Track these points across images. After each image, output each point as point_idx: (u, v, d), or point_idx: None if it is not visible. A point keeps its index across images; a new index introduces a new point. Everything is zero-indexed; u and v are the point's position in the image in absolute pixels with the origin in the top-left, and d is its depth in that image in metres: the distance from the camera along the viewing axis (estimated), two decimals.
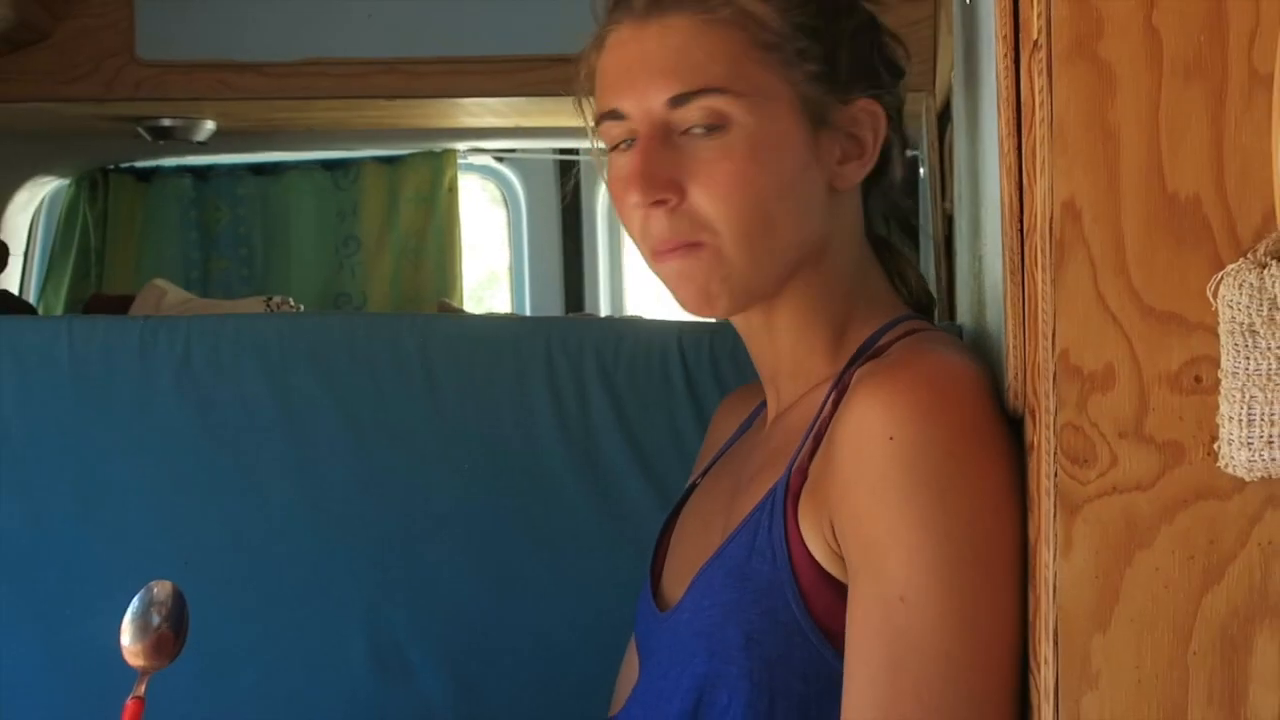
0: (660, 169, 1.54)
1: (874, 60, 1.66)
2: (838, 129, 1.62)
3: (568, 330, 2.23)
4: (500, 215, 4.65)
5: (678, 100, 1.55)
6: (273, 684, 2.10)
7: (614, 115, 1.59)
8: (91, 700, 1.88)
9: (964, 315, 1.94)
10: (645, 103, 1.56)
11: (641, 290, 4.64)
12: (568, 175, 4.49)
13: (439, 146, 4.28)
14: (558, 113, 3.51)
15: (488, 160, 4.48)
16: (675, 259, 1.57)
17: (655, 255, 1.59)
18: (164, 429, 2.18)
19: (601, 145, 1.67)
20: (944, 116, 2.44)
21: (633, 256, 4.61)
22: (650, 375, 2.16)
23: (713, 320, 3.21)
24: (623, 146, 1.60)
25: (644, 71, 1.56)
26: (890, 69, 1.68)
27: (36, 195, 3.93)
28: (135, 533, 2.14)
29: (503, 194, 4.58)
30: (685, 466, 1.91)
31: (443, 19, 3.02)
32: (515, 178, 4.49)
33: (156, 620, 1.71)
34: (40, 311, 3.86)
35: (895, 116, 1.67)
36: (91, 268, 4.10)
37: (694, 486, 1.82)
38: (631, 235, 1.62)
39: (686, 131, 1.55)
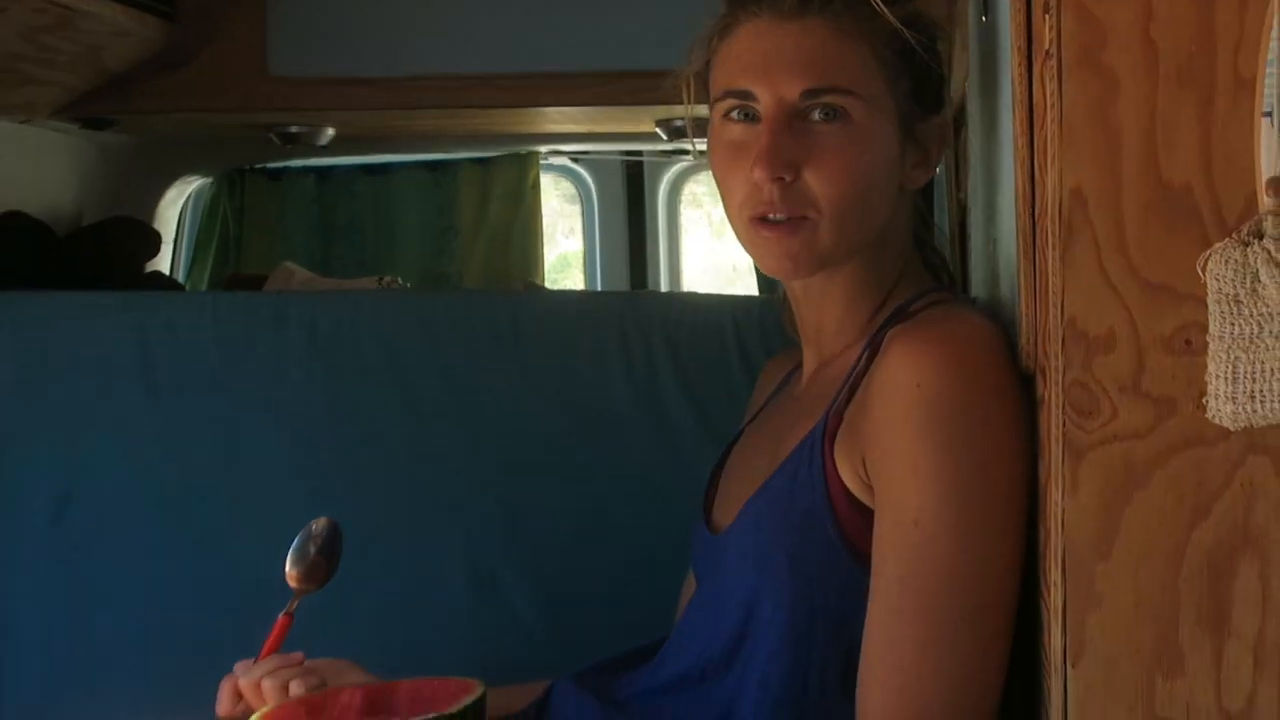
0: (785, 151, 1.52)
1: (941, 84, 1.65)
2: (917, 140, 1.62)
3: (638, 304, 2.24)
4: (575, 208, 4.65)
5: (811, 93, 1.53)
6: (385, 605, 2.09)
7: (744, 95, 1.55)
8: (234, 619, 1.88)
9: (977, 289, 1.93)
10: (779, 90, 1.53)
11: (694, 271, 4.65)
12: (633, 174, 4.47)
13: (524, 149, 4.27)
14: (625, 120, 3.57)
15: (565, 161, 4.47)
16: (781, 232, 1.54)
17: (756, 221, 1.56)
18: (294, 387, 2.19)
19: (698, 115, 1.65)
20: (957, 121, 2.41)
21: (690, 241, 4.62)
22: (708, 342, 2.15)
23: (758, 295, 3.25)
24: (735, 116, 1.57)
25: (781, 63, 1.53)
26: (944, 92, 1.66)
27: (184, 192, 3.96)
28: (269, 477, 2.14)
29: (577, 190, 4.57)
30: (737, 417, 1.90)
31: (528, 40, 3.01)
32: (588, 176, 4.48)
33: (312, 551, 1.74)
34: (187, 289, 3.87)
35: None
36: (230, 253, 4.12)
37: (741, 433, 1.81)
38: (730, 197, 1.58)
39: (806, 121, 1.53)
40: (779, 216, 1.54)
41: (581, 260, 4.67)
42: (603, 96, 3.09)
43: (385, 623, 2.07)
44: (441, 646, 1.84)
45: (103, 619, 2.11)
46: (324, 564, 1.75)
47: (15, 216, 3.24)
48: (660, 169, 4.46)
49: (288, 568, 1.74)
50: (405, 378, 2.17)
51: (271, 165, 4.11)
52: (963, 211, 2.32)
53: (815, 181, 1.53)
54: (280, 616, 1.69)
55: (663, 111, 3.28)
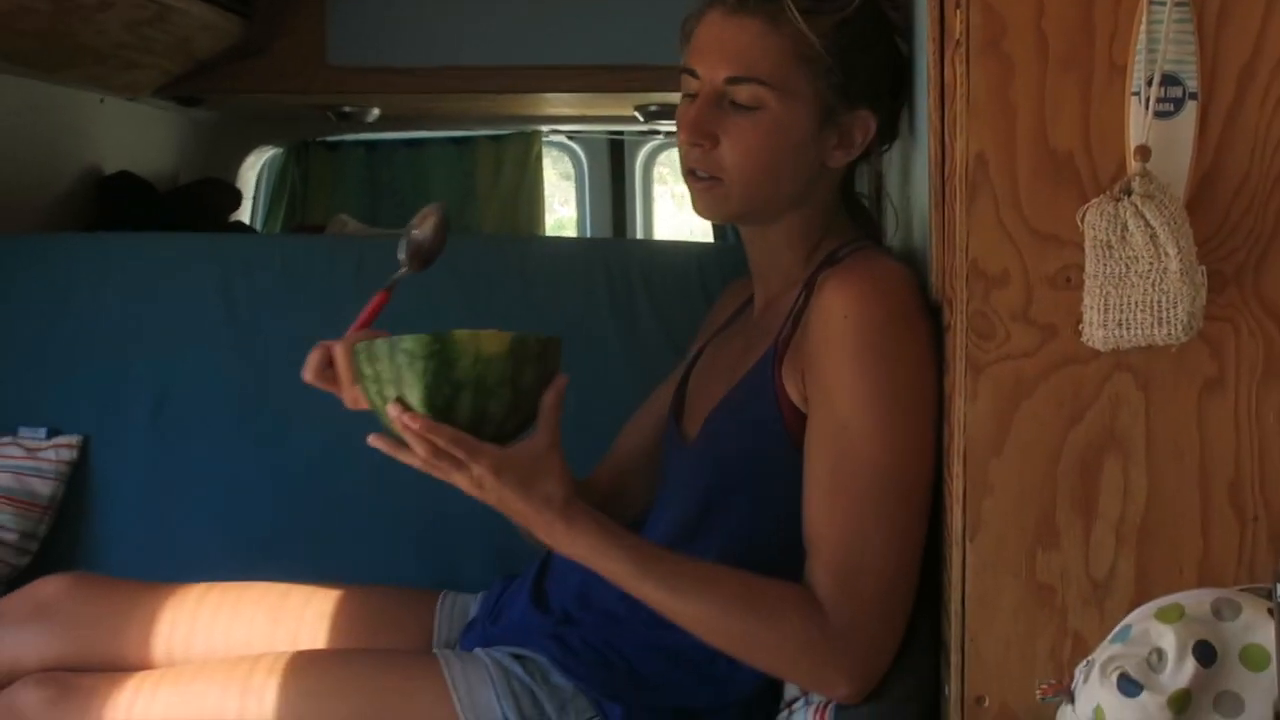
0: (705, 123, 1.47)
1: (883, 86, 1.56)
2: (838, 126, 1.52)
3: (621, 248, 2.20)
4: (568, 183, 4.62)
5: (732, 80, 1.47)
6: (418, 486, 2.01)
7: (690, 72, 1.50)
8: (295, 499, 1.84)
9: (892, 239, 1.86)
10: (712, 73, 1.47)
11: (663, 231, 4.61)
12: (616, 149, 4.43)
13: (529, 128, 4.23)
14: (610, 104, 3.52)
15: (562, 138, 4.42)
16: (700, 186, 1.50)
17: (687, 175, 1.52)
18: (343, 310, 2.10)
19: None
20: None
21: (660, 205, 4.58)
22: (676, 279, 2.10)
23: (719, 243, 3.21)
24: (686, 96, 1.51)
25: (718, 50, 1.48)
26: (895, 95, 1.58)
27: (260, 159, 3.92)
28: None
29: (570, 161, 4.52)
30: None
31: (533, 38, 2.94)
32: (580, 150, 4.44)
33: (416, 234, 1.59)
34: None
35: (886, 125, 1.57)
36: (296, 208, 4.09)
37: (701, 352, 1.74)
38: (680, 152, 1.53)
39: (732, 102, 1.47)
40: (701, 173, 1.49)
41: (574, 223, 4.61)
42: (592, 85, 3.03)
43: (416, 502, 2.00)
44: (461, 521, 1.79)
45: (190, 495, 2.06)
46: (431, 246, 1.59)
47: (125, 176, 3.19)
48: (638, 145, 4.43)
49: (399, 254, 1.59)
50: (433, 304, 2.10)
51: (329, 138, 4.07)
52: (879, 179, 2.27)
53: (728, 153, 1.47)
54: (379, 291, 1.56)
55: (640, 98, 3.26)
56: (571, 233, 4.69)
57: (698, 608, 1.35)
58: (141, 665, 1.53)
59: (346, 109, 3.37)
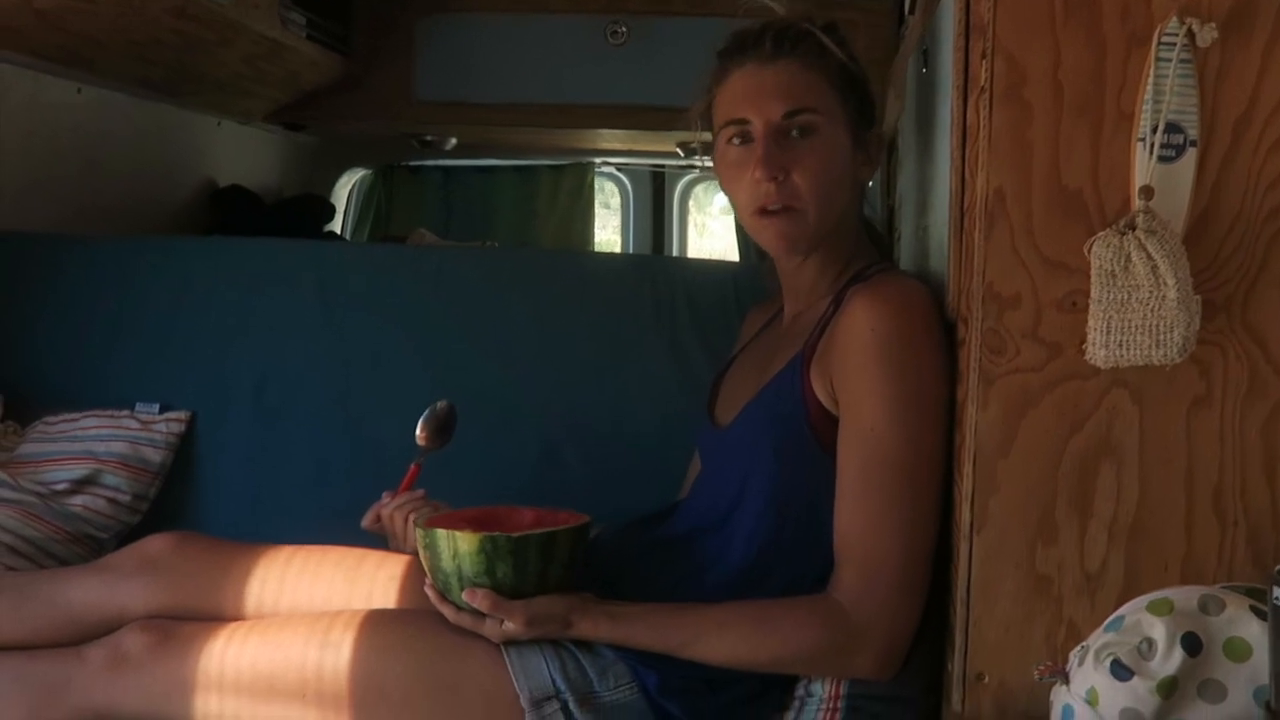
0: (776, 157, 1.41)
1: (874, 105, 1.54)
2: (863, 145, 1.51)
3: (665, 265, 2.15)
4: (608, 212, 4.57)
5: (790, 114, 1.42)
6: (481, 470, 1.98)
7: (741, 121, 1.44)
8: (376, 475, 1.78)
9: (906, 264, 1.81)
10: (766, 114, 1.42)
11: (695, 253, 4.56)
12: (658, 180, 4.38)
13: (584, 160, 4.19)
14: (654, 141, 3.49)
15: (612, 169, 4.37)
16: (778, 218, 1.43)
17: (759, 213, 1.45)
18: (424, 310, 2.09)
19: (705, 140, 1.54)
20: (889, 148, 2.29)
21: (696, 227, 4.54)
22: (713, 293, 2.03)
23: (744, 262, 3.16)
24: (735, 142, 1.46)
25: (767, 93, 1.43)
26: (878, 111, 1.54)
27: (351, 179, 3.91)
28: (403, 375, 2.05)
29: (619, 190, 4.47)
30: (731, 347, 1.78)
31: (588, 81, 2.91)
32: (626, 180, 4.40)
33: (435, 421, 1.70)
34: None
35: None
36: (382, 222, 4.06)
37: (734, 358, 1.69)
38: (737, 198, 1.47)
39: (791, 134, 1.43)
40: (775, 206, 1.43)
41: (613, 246, 4.56)
42: (639, 123, 3.02)
43: (481, 482, 1.95)
44: (521, 502, 1.74)
45: (284, 470, 2.02)
46: (443, 431, 1.70)
47: (237, 189, 3.17)
48: (677, 177, 4.39)
49: (418, 431, 1.68)
50: (501, 308, 2.06)
51: (412, 163, 4.05)
52: (891, 212, 2.21)
53: (800, 179, 1.42)
54: (412, 466, 1.65)
55: (680, 136, 3.22)
56: (616, 249, 4.65)
57: (721, 650, 1.34)
58: (235, 616, 1.49)
59: (428, 138, 3.36)
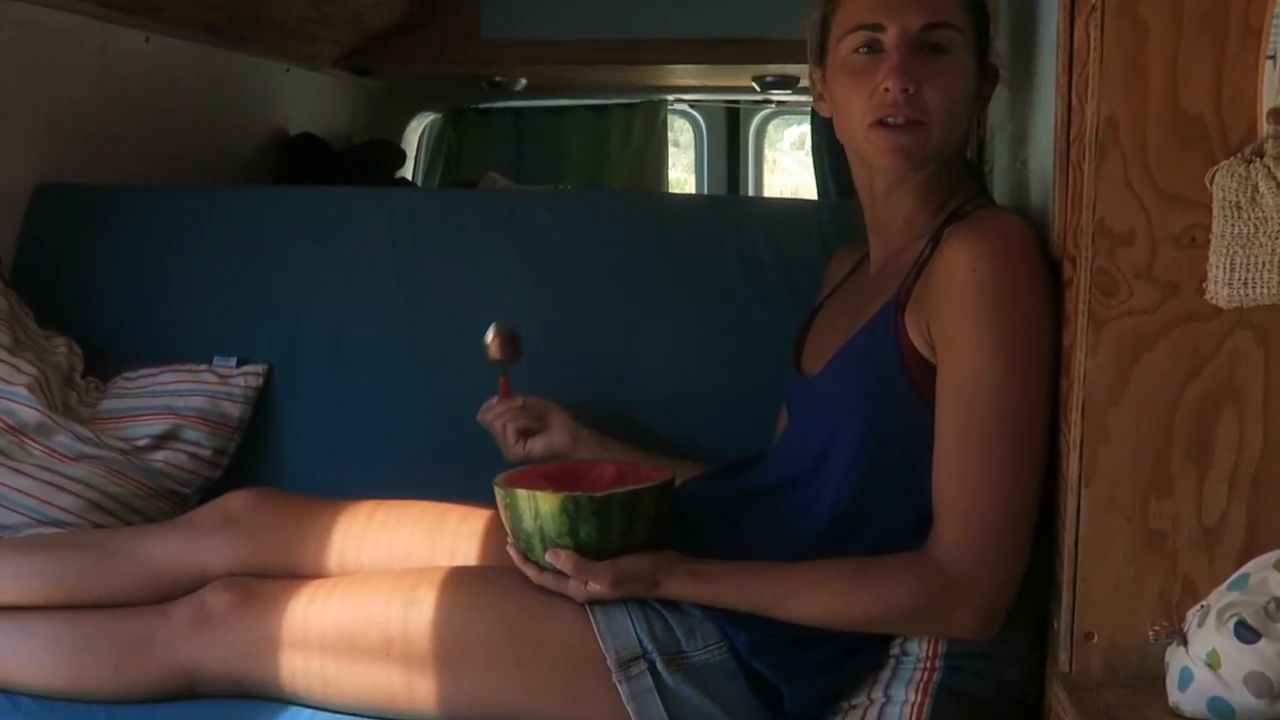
0: (911, 69, 1.33)
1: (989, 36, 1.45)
2: (984, 73, 1.42)
3: (746, 204, 2.06)
4: (680, 150, 4.48)
5: (929, 27, 1.34)
6: None
7: (874, 27, 1.35)
8: (449, 424, 1.77)
9: (1001, 199, 1.71)
10: (904, 23, 1.34)
11: (770, 192, 4.47)
12: (732, 116, 4.28)
13: (656, 97, 4.13)
14: (728, 76, 3.40)
15: (685, 107, 4.29)
16: (902, 132, 1.34)
17: (877, 125, 1.35)
18: (495, 256, 2.04)
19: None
20: None
21: (771, 163, 4.44)
22: (796, 232, 1.95)
23: (827, 200, 3.07)
24: (862, 50, 1.37)
25: (906, 2, 1.34)
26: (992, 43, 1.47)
27: (422, 124, 3.88)
28: (477, 321, 1.98)
29: (692, 127, 4.39)
30: (816, 289, 1.72)
31: (661, 14, 2.85)
32: (700, 117, 4.31)
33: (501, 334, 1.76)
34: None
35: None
36: (453, 166, 4.05)
37: (821, 305, 1.63)
38: (852, 109, 1.37)
39: (928, 48, 1.34)
40: (899, 120, 1.34)
41: (685, 185, 4.49)
42: (713, 57, 2.94)
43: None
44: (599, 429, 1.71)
45: (359, 419, 2.00)
46: (514, 342, 1.76)
47: (307, 137, 3.15)
48: (752, 113, 4.29)
49: (491, 346, 1.76)
50: (576, 250, 2.01)
51: (482, 105, 4.01)
52: (981, 144, 2.11)
53: (931, 94, 1.33)
54: (501, 380, 1.75)
55: (757, 70, 3.13)
56: (690, 187, 4.58)
57: (814, 608, 1.29)
58: (316, 573, 1.47)
59: (497, 79, 3.30)
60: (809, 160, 3.98)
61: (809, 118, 3.97)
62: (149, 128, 2.50)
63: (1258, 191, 1.08)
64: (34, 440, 1.79)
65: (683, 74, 3.40)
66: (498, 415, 1.71)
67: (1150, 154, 1.13)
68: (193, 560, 1.47)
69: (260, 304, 2.06)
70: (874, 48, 1.35)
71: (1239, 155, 1.09)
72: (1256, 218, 1.09)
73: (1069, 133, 1.21)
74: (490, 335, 1.75)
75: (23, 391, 1.81)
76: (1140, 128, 1.13)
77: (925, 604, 1.25)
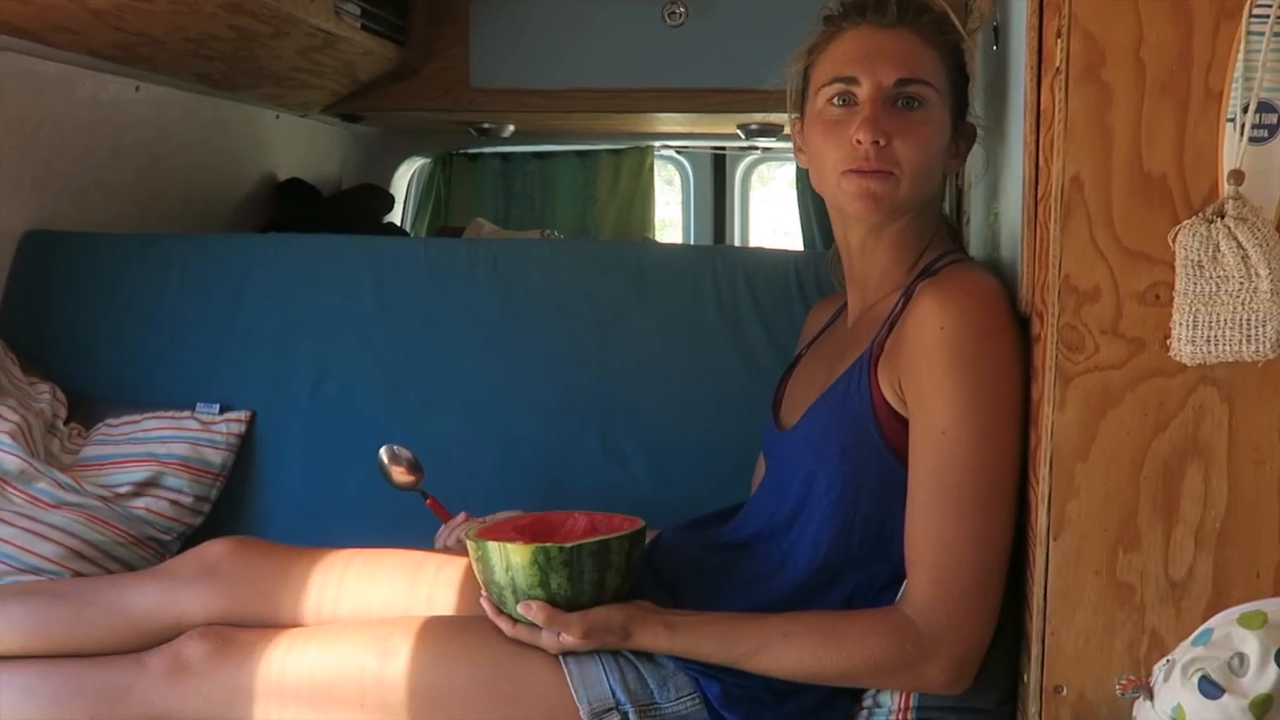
0: (883, 121, 1.35)
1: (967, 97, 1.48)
2: (958, 135, 1.45)
3: (727, 254, 2.07)
4: (670, 189, 4.51)
5: (903, 82, 1.36)
6: (540, 467, 1.96)
7: (849, 80, 1.38)
8: (432, 466, 1.77)
9: (976, 251, 1.74)
10: (879, 77, 1.36)
11: (756, 236, 4.50)
12: (719, 162, 4.31)
13: (643, 143, 4.14)
14: (714, 124, 3.42)
15: (672, 153, 4.32)
16: (872, 179, 1.36)
17: (849, 173, 1.37)
18: (480, 308, 2.06)
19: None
20: None
21: (756, 210, 4.46)
22: (776, 283, 1.98)
23: (809, 251, 3.10)
24: (836, 102, 1.39)
25: (884, 57, 1.37)
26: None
27: (411, 168, 3.88)
28: (460, 369, 2.02)
29: (679, 174, 4.41)
30: (796, 339, 1.74)
31: (648, 64, 2.86)
32: (687, 163, 4.33)
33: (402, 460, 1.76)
34: (410, 234, 3.80)
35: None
36: (441, 211, 4.05)
37: (800, 356, 1.64)
38: (826, 158, 1.39)
39: (899, 102, 1.37)
40: (870, 169, 1.36)
41: (677, 225, 4.53)
42: (699, 106, 2.95)
43: (541, 479, 1.94)
44: (580, 499, 1.70)
45: (342, 464, 2.01)
46: (416, 464, 1.76)
47: (296, 182, 3.18)
48: (738, 159, 4.31)
49: (396, 479, 1.75)
50: (558, 301, 2.03)
51: (470, 150, 4.02)
52: (959, 194, 2.14)
53: (902, 148, 1.35)
54: (428, 502, 1.72)
55: (742, 118, 3.16)
56: (676, 231, 4.60)
57: (786, 661, 1.29)
58: (294, 622, 1.47)
59: (486, 125, 3.32)
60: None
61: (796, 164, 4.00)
62: (139, 175, 2.52)
63: (1219, 250, 1.10)
64: (15, 487, 1.80)
65: (669, 121, 3.42)
66: (452, 536, 1.65)
67: (1115, 213, 1.15)
68: (170, 609, 1.47)
69: (244, 350, 2.08)
70: (849, 101, 1.38)
71: (1201, 215, 1.12)
72: (1218, 276, 1.11)
73: (1036, 190, 1.23)
74: (388, 464, 1.74)
75: (4, 439, 1.81)
76: (1105, 187, 1.15)
77: (897, 659, 1.26)
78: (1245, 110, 1.10)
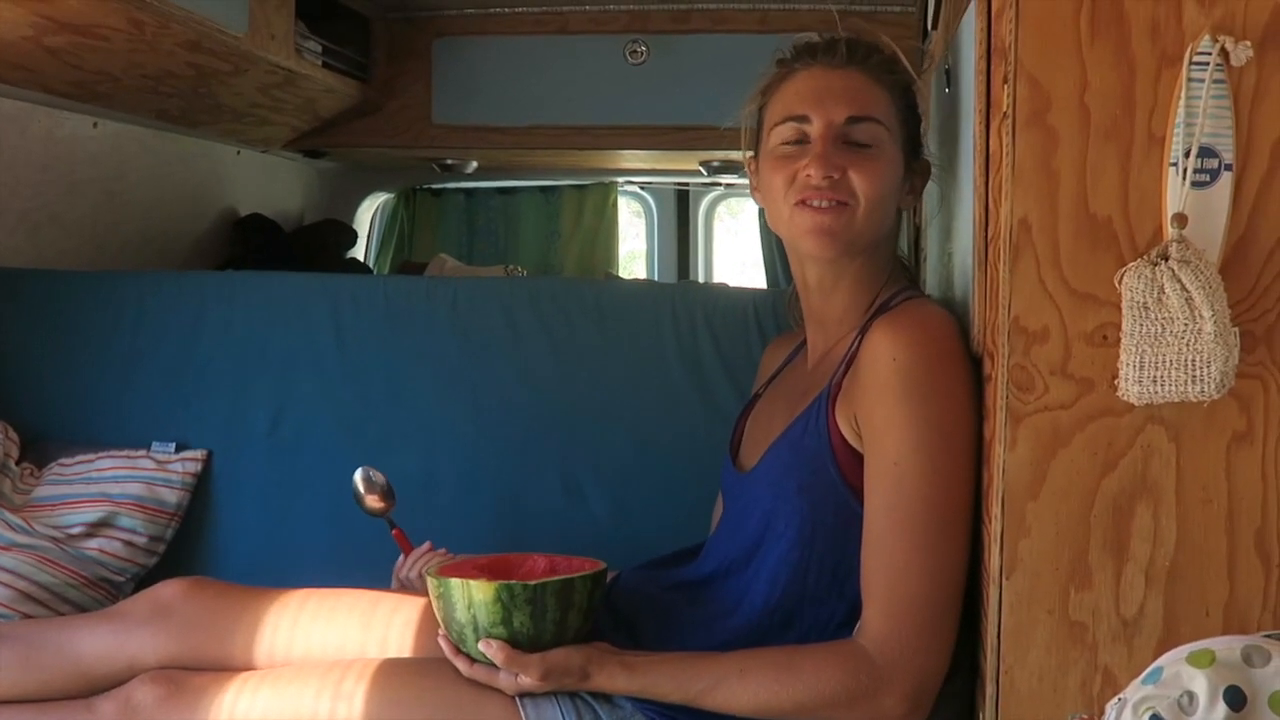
0: (834, 156, 1.37)
1: (919, 137, 1.50)
2: (912, 172, 1.47)
3: (687, 292, 2.08)
4: (639, 221, 4.53)
5: (853, 120, 1.39)
6: (499, 506, 1.96)
7: (801, 119, 1.40)
8: (399, 512, 1.76)
9: (932, 290, 1.76)
10: (829, 115, 1.39)
11: (721, 269, 4.52)
12: (682, 198, 4.34)
13: (607, 179, 4.16)
14: (677, 160, 3.45)
15: (635, 189, 4.34)
16: (826, 212, 1.37)
17: (801, 205, 1.39)
18: (440, 345, 2.05)
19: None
20: None
21: (720, 245, 4.49)
22: (735, 320, 1.99)
23: (769, 289, 3.12)
24: (790, 142, 1.41)
25: (834, 96, 1.39)
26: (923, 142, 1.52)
27: (374, 204, 3.88)
28: (419, 405, 2.02)
29: (643, 209, 4.44)
30: (754, 378, 1.74)
31: (611, 102, 2.89)
32: (651, 199, 4.36)
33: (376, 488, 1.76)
34: (374, 271, 3.79)
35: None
36: (404, 246, 4.04)
37: (758, 395, 1.65)
38: (778, 190, 1.40)
39: (850, 141, 1.39)
40: (824, 203, 1.37)
41: (644, 255, 4.54)
42: (662, 143, 2.97)
43: (501, 516, 1.94)
44: (539, 538, 1.70)
45: (300, 503, 2.00)
46: (389, 490, 1.75)
47: (256, 217, 3.17)
48: (701, 195, 4.34)
49: (369, 504, 1.75)
50: (518, 338, 2.03)
51: (434, 186, 4.03)
52: (917, 232, 2.16)
53: (856, 179, 1.37)
54: (394, 532, 1.71)
55: (704, 155, 3.19)
56: (640, 263, 4.62)
57: (743, 697, 1.29)
58: (247, 665, 1.46)
59: (449, 161, 3.33)
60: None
61: None
62: (95, 210, 2.51)
63: (1164, 292, 1.12)
64: None
65: (632, 158, 3.45)
66: (414, 567, 1.66)
67: (1062, 255, 1.17)
68: (121, 653, 1.46)
69: (201, 388, 2.06)
70: (801, 140, 1.40)
71: (1146, 257, 1.14)
72: (1163, 318, 1.13)
73: (986, 233, 1.24)
74: (362, 488, 1.74)
75: None
76: (1052, 230, 1.17)
77: (852, 691, 1.26)
78: (1187, 155, 1.12)
